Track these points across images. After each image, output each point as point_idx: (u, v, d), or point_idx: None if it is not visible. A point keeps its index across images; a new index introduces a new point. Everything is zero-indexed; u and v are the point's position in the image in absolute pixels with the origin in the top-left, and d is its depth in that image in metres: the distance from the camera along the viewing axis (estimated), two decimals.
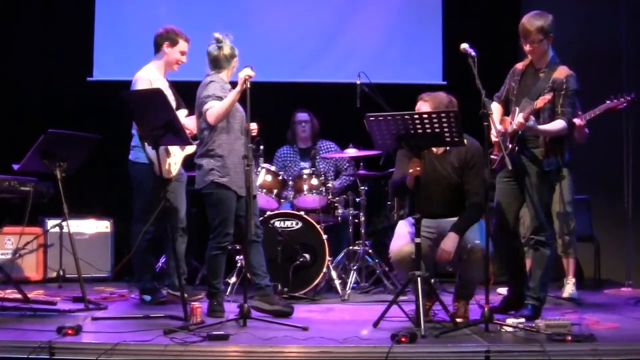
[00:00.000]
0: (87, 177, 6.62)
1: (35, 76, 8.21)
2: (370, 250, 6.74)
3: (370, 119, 4.78)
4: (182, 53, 5.88)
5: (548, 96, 4.96)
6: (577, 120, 5.95)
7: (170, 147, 5.62)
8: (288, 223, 6.49)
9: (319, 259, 6.41)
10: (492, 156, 5.12)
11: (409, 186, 4.92)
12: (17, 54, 8.15)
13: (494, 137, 4.99)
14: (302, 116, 7.48)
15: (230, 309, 5.24)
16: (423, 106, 5.12)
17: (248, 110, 5.01)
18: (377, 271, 6.73)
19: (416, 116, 4.74)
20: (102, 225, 7.62)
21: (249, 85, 5.02)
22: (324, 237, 6.41)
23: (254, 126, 5.30)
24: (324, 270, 6.37)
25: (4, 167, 5.87)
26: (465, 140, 4.88)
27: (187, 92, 5.72)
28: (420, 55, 8.34)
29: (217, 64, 5.41)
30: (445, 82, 7.99)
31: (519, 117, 4.98)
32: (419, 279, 4.71)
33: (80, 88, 8.11)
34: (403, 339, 4.20)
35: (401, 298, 5.01)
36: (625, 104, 6.10)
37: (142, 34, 7.79)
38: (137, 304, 5.95)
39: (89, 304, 5.49)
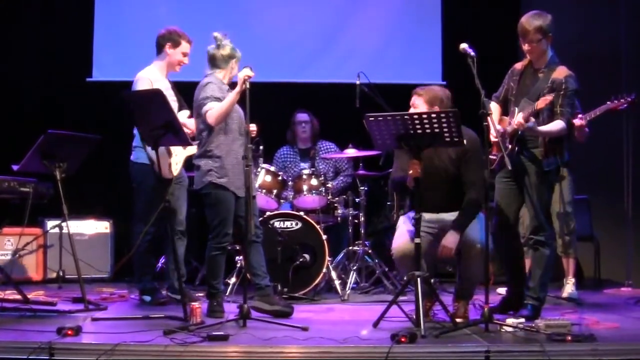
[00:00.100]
0: (86, 177, 6.61)
1: (34, 76, 8.21)
2: (370, 251, 6.74)
3: (370, 119, 4.78)
4: (184, 54, 5.89)
5: (549, 97, 4.96)
6: (577, 121, 5.96)
7: (172, 147, 5.62)
8: (288, 223, 6.49)
9: (318, 259, 6.41)
10: (491, 156, 5.11)
11: (409, 187, 4.92)
12: (17, 54, 8.15)
13: (493, 137, 4.99)
14: (302, 117, 7.48)
15: (230, 309, 5.24)
16: (417, 100, 5.12)
17: (248, 111, 5.01)
18: (377, 271, 6.73)
19: (416, 116, 4.74)
20: (102, 226, 7.62)
21: (248, 86, 5.02)
22: (324, 237, 6.41)
23: (253, 127, 5.30)
24: (324, 270, 6.37)
25: (3, 167, 5.87)
26: (465, 141, 4.88)
27: (188, 93, 5.72)
28: (420, 55, 8.34)
29: (214, 63, 5.42)
30: (444, 82, 7.99)
31: (518, 118, 4.98)
32: (418, 279, 4.72)
33: (79, 88, 8.11)
34: (403, 339, 4.19)
35: (401, 298, 5.00)
36: (625, 105, 6.10)
37: (141, 34, 7.81)
38: (137, 304, 5.95)
39: (89, 305, 5.49)
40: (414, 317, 4.69)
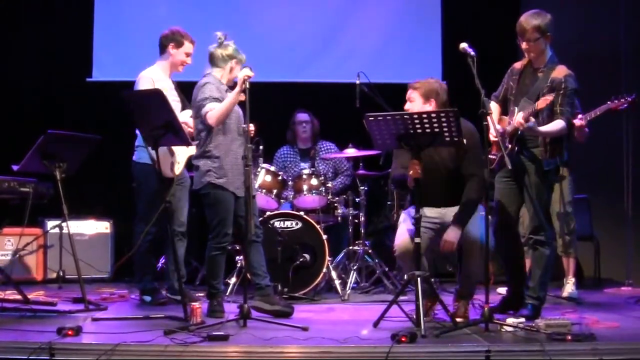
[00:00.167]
0: (87, 177, 6.61)
1: (34, 77, 8.21)
2: (370, 250, 6.74)
3: (370, 119, 4.78)
4: (187, 54, 5.90)
5: (550, 97, 4.96)
6: (577, 121, 5.96)
7: (174, 147, 5.62)
8: (288, 223, 6.49)
9: (318, 259, 6.41)
10: (491, 156, 5.11)
11: (410, 187, 4.93)
12: (17, 54, 8.15)
13: (492, 137, 4.99)
14: (303, 117, 7.47)
15: (230, 309, 5.24)
16: (413, 94, 5.13)
17: (247, 111, 5.01)
18: (377, 271, 6.73)
19: (416, 116, 4.74)
20: (102, 226, 7.62)
21: (247, 86, 5.02)
22: (324, 237, 6.41)
23: (250, 127, 5.31)
24: (324, 270, 6.37)
25: (3, 167, 5.86)
26: (465, 140, 4.88)
27: (189, 92, 5.72)
28: (420, 55, 8.34)
29: (213, 61, 5.43)
30: (444, 82, 7.97)
31: (518, 117, 4.98)
32: (419, 279, 4.72)
33: (79, 88, 8.11)
34: (403, 339, 4.19)
35: (401, 298, 5.00)
36: (626, 105, 6.10)
37: (141, 34, 7.84)
38: (137, 304, 5.95)
39: (89, 305, 5.49)
40: (414, 316, 4.69)
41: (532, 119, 4.97)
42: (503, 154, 4.86)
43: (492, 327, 4.61)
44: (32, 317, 5.10)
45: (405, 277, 5.02)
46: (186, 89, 5.98)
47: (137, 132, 5.78)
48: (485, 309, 4.62)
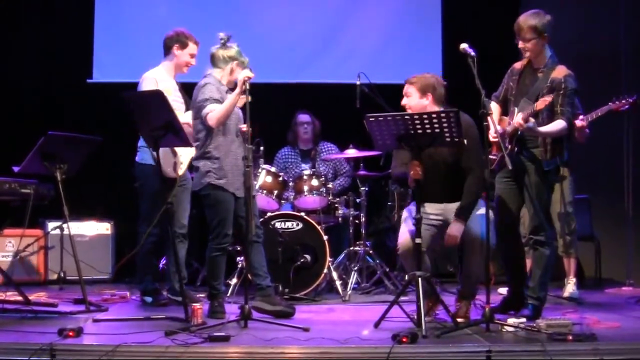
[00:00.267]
0: (87, 179, 6.62)
1: (35, 77, 8.21)
2: (371, 251, 6.75)
3: (370, 119, 4.78)
4: (192, 55, 5.92)
5: (548, 98, 4.96)
6: (578, 122, 5.96)
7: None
8: (289, 224, 6.49)
9: (319, 260, 6.41)
10: (491, 156, 5.12)
11: (410, 187, 4.93)
12: (17, 55, 8.16)
13: (492, 137, 4.99)
14: (304, 118, 7.47)
15: (231, 310, 5.24)
16: (410, 89, 5.14)
17: (248, 112, 5.01)
18: (378, 272, 6.73)
19: (416, 116, 4.74)
20: (103, 227, 7.62)
21: (248, 87, 5.03)
22: (325, 237, 6.41)
23: (243, 127, 5.32)
24: (325, 271, 6.37)
25: (4, 169, 5.87)
26: (465, 141, 4.88)
27: (189, 93, 5.73)
28: (420, 55, 8.34)
29: (213, 61, 5.43)
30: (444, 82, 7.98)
31: (518, 118, 4.98)
32: (419, 279, 4.72)
33: (80, 90, 8.12)
34: (404, 340, 4.20)
35: (402, 298, 5.00)
36: (627, 106, 6.09)
37: (142, 35, 7.84)
38: (138, 305, 5.95)
39: (90, 306, 5.49)
40: (415, 317, 4.69)
41: (532, 120, 4.96)
42: (503, 154, 4.86)
43: (493, 328, 4.61)
44: (33, 318, 5.10)
45: (406, 277, 5.02)
46: (187, 90, 5.99)
47: None
48: (486, 309, 4.62)
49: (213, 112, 5.20)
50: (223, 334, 4.38)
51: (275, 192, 6.60)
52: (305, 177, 6.75)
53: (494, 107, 5.22)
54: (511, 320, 4.71)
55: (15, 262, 6.79)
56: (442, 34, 8.33)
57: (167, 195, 5.05)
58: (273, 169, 6.72)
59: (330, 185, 6.79)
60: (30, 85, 8.22)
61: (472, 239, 4.99)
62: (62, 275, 7.10)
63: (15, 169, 5.71)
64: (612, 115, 6.22)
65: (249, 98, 5.04)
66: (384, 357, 4.06)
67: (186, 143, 5.17)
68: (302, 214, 6.56)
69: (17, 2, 8.17)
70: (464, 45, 4.82)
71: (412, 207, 5.04)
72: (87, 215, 7.50)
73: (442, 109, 5.07)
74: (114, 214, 7.69)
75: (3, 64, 8.06)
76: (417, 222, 4.80)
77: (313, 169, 7.07)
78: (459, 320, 4.90)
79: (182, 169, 5.78)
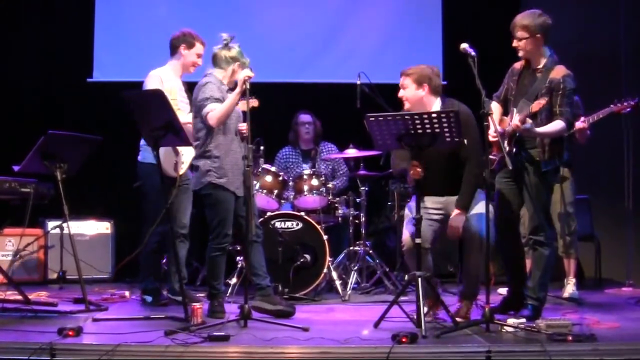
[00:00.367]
0: (87, 178, 6.61)
1: (35, 77, 8.21)
2: (370, 251, 6.74)
3: (370, 119, 4.78)
4: (199, 56, 5.93)
5: (543, 101, 4.95)
6: (579, 124, 5.95)
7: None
8: (288, 224, 6.49)
9: (319, 260, 6.41)
10: (491, 156, 5.11)
11: (410, 186, 4.93)
12: (17, 54, 8.15)
13: (492, 137, 4.98)
14: (305, 118, 7.46)
15: (231, 309, 5.24)
16: (406, 80, 5.14)
17: (248, 112, 5.01)
18: (378, 271, 6.73)
19: (416, 116, 4.74)
20: (103, 227, 7.62)
21: (248, 87, 5.03)
22: (325, 237, 6.41)
23: (243, 126, 5.32)
24: (325, 270, 6.37)
25: (4, 168, 5.87)
26: (465, 140, 4.88)
27: (189, 94, 5.73)
28: (420, 55, 8.29)
29: (215, 62, 5.44)
30: (445, 82, 7.97)
31: (515, 120, 4.98)
32: (419, 279, 4.72)
33: (80, 89, 8.11)
34: (404, 340, 4.20)
35: (402, 298, 5.01)
36: (629, 109, 6.07)
37: (142, 35, 7.84)
38: (138, 305, 5.95)
39: (90, 305, 5.49)
40: (415, 317, 4.69)
41: (529, 121, 4.96)
42: (503, 155, 4.86)
43: (492, 328, 4.61)
44: (33, 317, 5.10)
45: (407, 277, 5.02)
46: (189, 89, 5.99)
47: None
48: (486, 309, 4.62)
49: (213, 112, 5.21)
50: (223, 333, 4.38)
51: (275, 191, 6.60)
52: (305, 177, 6.74)
53: (495, 107, 5.22)
54: (511, 321, 4.70)
55: (15, 262, 6.78)
56: (443, 34, 8.33)
57: (168, 195, 5.05)
58: (273, 169, 6.72)
59: (330, 185, 6.79)
60: (30, 85, 8.21)
61: (471, 235, 4.99)
62: (62, 274, 7.10)
63: (15, 168, 5.71)
64: (612, 116, 6.22)
65: (257, 102, 5.04)
66: (383, 357, 4.06)
67: (186, 143, 5.17)
68: (302, 213, 6.56)
69: (17, 2, 8.16)
70: (464, 45, 4.82)
71: (413, 204, 5.04)
72: (87, 215, 7.49)
73: (439, 99, 5.09)
74: (114, 213, 7.69)
75: (3, 64, 8.05)
76: (417, 222, 4.80)
77: (313, 169, 7.07)
78: (459, 320, 4.90)
79: (183, 169, 5.77)
